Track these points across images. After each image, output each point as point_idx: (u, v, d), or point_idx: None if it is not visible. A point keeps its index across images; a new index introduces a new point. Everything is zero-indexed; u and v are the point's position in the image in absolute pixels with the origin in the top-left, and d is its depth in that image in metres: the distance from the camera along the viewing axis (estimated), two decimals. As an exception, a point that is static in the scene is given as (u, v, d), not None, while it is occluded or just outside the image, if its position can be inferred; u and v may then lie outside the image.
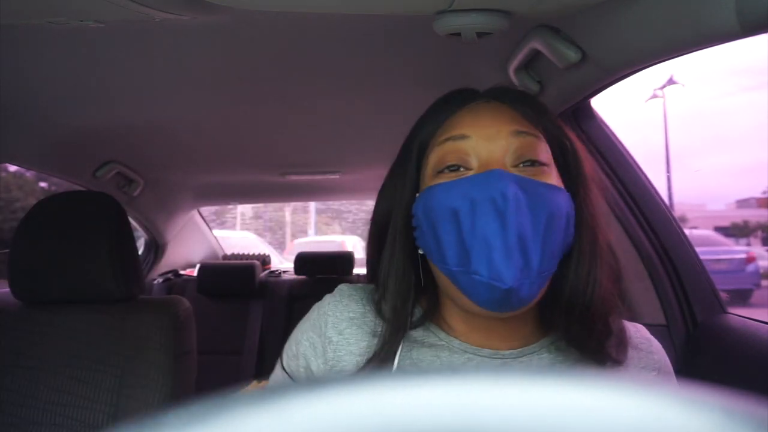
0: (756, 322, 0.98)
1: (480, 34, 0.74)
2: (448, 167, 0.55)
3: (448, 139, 0.56)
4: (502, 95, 0.60)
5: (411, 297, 0.59)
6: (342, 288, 0.66)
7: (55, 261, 1.18)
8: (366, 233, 0.67)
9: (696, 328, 1.09)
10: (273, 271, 2.94)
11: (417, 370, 0.19)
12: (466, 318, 0.59)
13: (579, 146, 0.60)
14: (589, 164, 0.60)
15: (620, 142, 1.17)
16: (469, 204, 0.51)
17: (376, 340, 0.59)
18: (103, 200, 1.24)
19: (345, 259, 2.68)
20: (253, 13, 0.77)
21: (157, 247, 2.68)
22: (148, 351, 1.17)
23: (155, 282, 2.65)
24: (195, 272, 2.76)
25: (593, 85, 0.89)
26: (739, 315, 1.06)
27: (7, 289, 1.22)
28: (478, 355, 0.58)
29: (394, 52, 1.02)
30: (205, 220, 3.15)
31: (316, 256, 2.75)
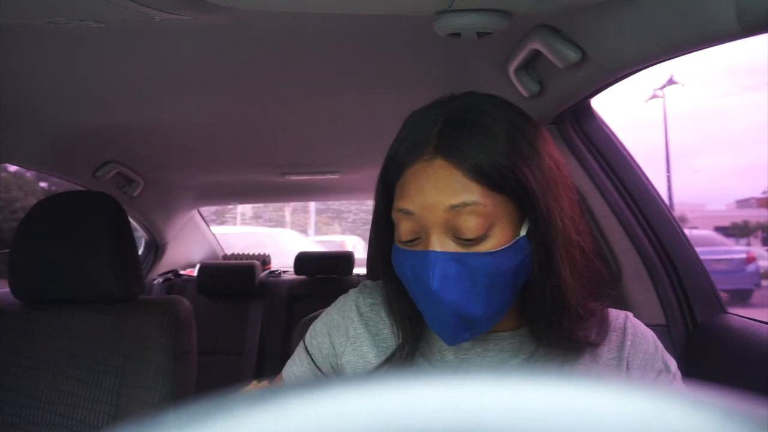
0: (756, 322, 0.98)
1: (480, 34, 0.74)
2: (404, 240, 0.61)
3: (400, 210, 0.60)
4: (445, 148, 0.57)
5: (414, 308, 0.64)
6: (366, 282, 0.75)
7: (55, 261, 1.18)
8: (366, 233, 0.70)
9: (696, 328, 1.09)
10: (273, 271, 2.94)
11: (410, 369, 0.19)
12: None
13: (537, 175, 0.57)
14: (555, 182, 0.59)
15: (620, 142, 1.17)
16: (414, 278, 0.58)
17: (387, 330, 0.68)
18: (103, 200, 1.24)
19: (345, 259, 2.68)
20: (253, 13, 0.77)
21: (157, 247, 2.69)
22: (148, 351, 1.17)
23: (155, 282, 2.65)
24: (195, 272, 2.76)
25: (593, 85, 0.89)
26: (739, 315, 1.06)
27: (7, 289, 1.22)
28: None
29: (394, 52, 1.02)
30: (205, 220, 3.15)
31: (316, 256, 2.75)
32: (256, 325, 2.53)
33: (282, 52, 1.00)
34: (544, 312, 0.59)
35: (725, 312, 1.09)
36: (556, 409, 0.16)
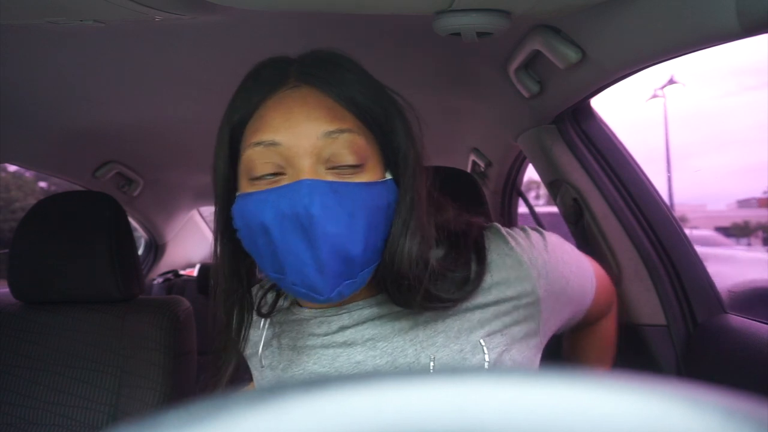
0: (756, 322, 0.98)
1: (480, 34, 0.74)
2: (262, 176, 0.54)
3: (258, 144, 0.53)
4: (313, 77, 0.56)
5: (244, 291, 0.64)
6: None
7: (55, 261, 1.18)
8: None
9: (696, 329, 1.09)
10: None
11: (421, 370, 0.18)
12: None
13: (401, 123, 0.57)
14: (417, 142, 0.58)
15: (620, 142, 1.17)
16: (278, 219, 0.51)
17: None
18: (103, 200, 1.24)
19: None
20: (253, 13, 0.77)
21: (157, 247, 2.68)
22: (148, 351, 1.17)
23: (155, 282, 2.65)
24: (195, 272, 2.76)
25: (593, 85, 0.89)
26: (739, 315, 1.06)
27: (7, 289, 1.22)
28: (326, 315, 0.61)
29: (394, 52, 1.02)
30: (205, 220, 3.15)
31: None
32: (256, 325, 2.52)
33: (282, 52, 1.00)
34: (403, 269, 0.54)
35: (725, 312, 1.09)
36: (558, 408, 0.16)
